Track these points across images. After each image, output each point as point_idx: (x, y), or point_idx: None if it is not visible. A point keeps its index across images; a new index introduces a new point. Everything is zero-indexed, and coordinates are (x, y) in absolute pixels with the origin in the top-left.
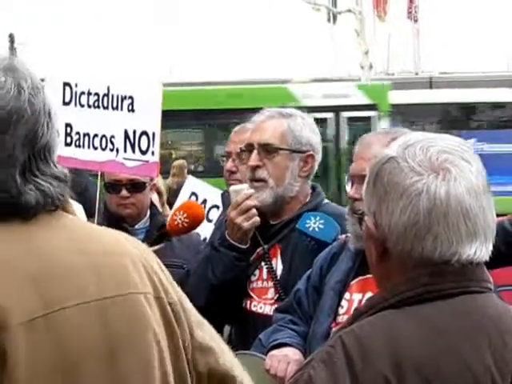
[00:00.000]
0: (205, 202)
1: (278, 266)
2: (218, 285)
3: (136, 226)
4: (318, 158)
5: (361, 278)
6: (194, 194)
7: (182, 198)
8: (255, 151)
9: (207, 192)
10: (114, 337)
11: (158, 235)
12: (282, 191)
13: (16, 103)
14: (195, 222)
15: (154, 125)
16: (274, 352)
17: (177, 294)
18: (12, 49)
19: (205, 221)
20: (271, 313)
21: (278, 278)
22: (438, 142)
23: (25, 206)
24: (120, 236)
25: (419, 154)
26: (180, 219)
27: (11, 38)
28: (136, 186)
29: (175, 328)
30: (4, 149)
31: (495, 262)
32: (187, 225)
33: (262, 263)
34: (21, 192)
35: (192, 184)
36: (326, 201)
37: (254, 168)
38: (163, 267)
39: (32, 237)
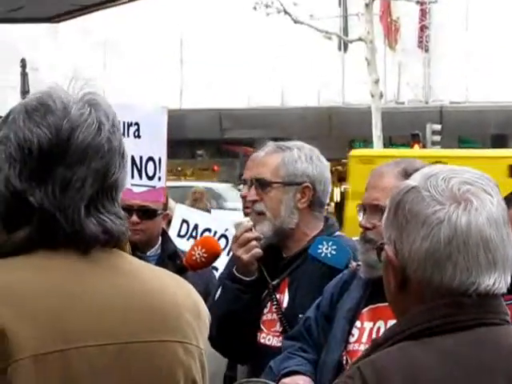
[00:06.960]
0: (196, 227)
1: (285, 298)
2: (221, 316)
3: (148, 253)
4: (320, 188)
5: (371, 306)
6: (184, 221)
7: (174, 225)
8: (253, 186)
9: (199, 218)
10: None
11: (176, 270)
12: (279, 223)
13: (96, 138)
14: (213, 256)
15: (160, 150)
16: (286, 380)
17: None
18: (24, 74)
19: None
20: (278, 344)
21: (284, 310)
22: (459, 173)
23: (84, 240)
24: (172, 281)
25: (441, 184)
26: (198, 254)
27: (23, 63)
28: (147, 213)
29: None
30: (77, 179)
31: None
32: (205, 259)
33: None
34: (82, 225)
35: (183, 211)
36: (338, 233)
37: (253, 202)
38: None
39: (74, 273)
